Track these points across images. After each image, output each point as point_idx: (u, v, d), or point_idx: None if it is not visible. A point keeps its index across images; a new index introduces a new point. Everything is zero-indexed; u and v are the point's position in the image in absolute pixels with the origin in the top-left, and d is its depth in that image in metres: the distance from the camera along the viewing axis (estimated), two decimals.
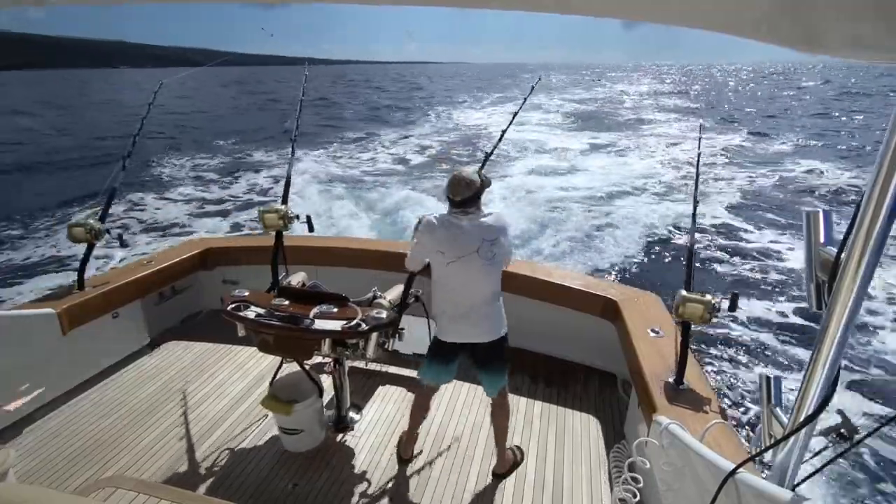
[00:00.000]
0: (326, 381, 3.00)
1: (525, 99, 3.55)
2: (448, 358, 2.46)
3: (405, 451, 2.70)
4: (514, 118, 3.36)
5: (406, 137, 22.84)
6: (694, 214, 2.69)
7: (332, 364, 2.77)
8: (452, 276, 2.27)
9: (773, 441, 1.35)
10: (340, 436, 2.83)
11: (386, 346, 2.61)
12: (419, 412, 2.63)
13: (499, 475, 2.61)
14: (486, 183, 2.29)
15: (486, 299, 2.30)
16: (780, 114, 31.31)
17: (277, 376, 2.70)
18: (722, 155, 17.22)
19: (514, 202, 11.65)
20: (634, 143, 20.10)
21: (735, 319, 6.40)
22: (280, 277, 2.96)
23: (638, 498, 1.83)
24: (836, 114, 30.02)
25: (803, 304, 6.69)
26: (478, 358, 2.44)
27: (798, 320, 6.51)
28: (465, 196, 2.22)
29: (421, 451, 2.73)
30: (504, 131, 3.26)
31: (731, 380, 5.24)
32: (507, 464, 2.62)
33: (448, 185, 2.28)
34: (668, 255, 8.67)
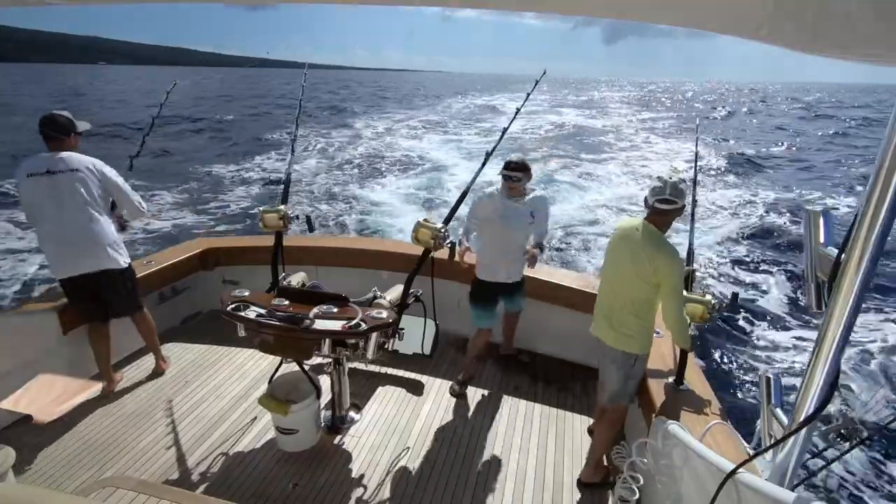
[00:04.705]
0: (326, 381, 2.99)
1: (528, 95, 3.54)
2: (488, 299, 3.18)
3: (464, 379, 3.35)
4: (515, 115, 3.35)
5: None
6: (693, 215, 2.68)
7: (332, 364, 2.77)
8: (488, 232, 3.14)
9: (773, 441, 1.35)
10: (340, 436, 2.83)
11: (386, 347, 2.61)
12: (480, 346, 3.28)
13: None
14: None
15: (514, 254, 3.10)
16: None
17: (276, 376, 2.70)
18: (721, 155, 17.21)
19: None
20: (628, 145, 20.08)
21: (735, 319, 6.40)
22: (280, 277, 2.95)
23: (637, 496, 1.82)
24: None
25: (803, 305, 6.69)
26: (504, 293, 3.21)
27: (798, 320, 6.51)
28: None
29: (420, 451, 2.73)
30: (505, 129, 3.25)
31: (731, 380, 5.24)
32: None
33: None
34: None
